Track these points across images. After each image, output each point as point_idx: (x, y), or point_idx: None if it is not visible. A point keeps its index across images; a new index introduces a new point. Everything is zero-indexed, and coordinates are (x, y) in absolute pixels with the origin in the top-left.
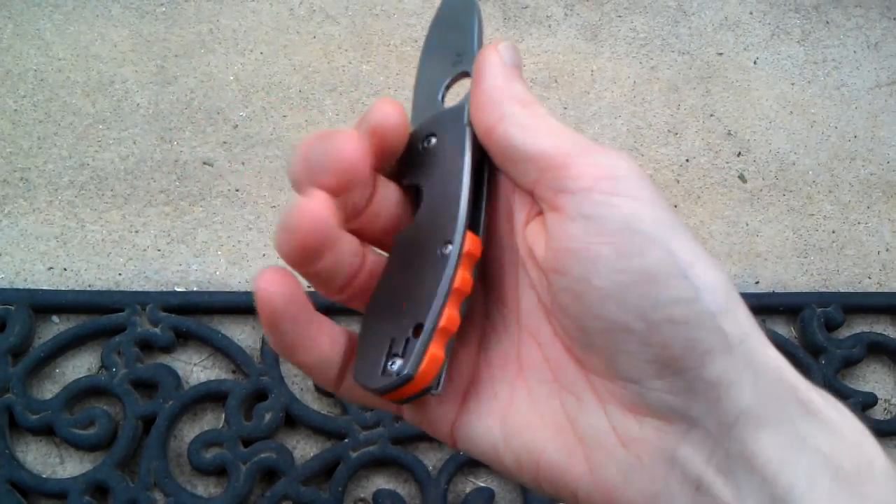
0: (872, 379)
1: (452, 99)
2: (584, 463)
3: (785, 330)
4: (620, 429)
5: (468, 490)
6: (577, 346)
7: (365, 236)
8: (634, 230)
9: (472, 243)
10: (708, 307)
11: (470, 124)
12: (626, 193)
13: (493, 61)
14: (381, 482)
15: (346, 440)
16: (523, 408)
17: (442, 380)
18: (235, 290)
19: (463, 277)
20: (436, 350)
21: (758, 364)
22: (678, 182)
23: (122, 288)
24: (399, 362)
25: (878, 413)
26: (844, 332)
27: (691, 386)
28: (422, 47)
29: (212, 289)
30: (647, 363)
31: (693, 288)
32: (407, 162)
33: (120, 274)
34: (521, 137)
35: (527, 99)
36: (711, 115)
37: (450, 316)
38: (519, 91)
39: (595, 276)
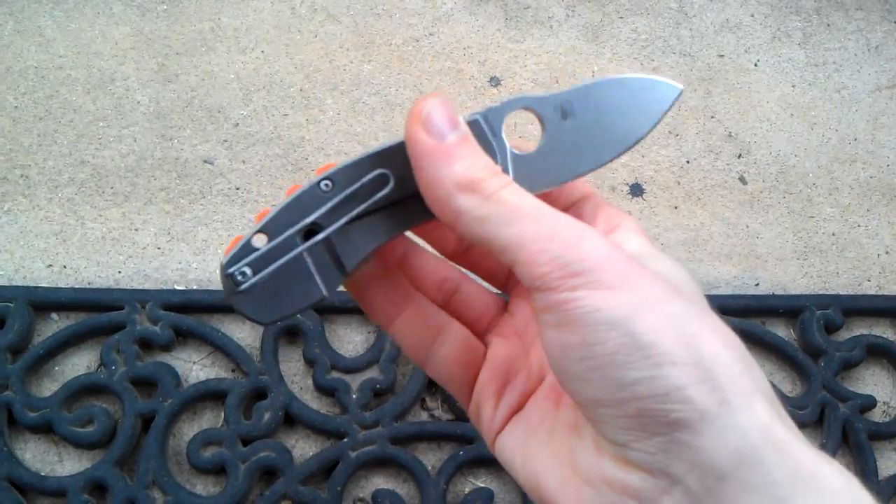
0: (872, 381)
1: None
2: (573, 494)
3: (784, 332)
4: (609, 472)
5: (467, 490)
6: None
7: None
8: (596, 321)
9: (325, 166)
10: (673, 382)
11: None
12: (589, 286)
13: (422, 144)
14: (380, 482)
15: (346, 440)
16: (542, 434)
17: (252, 282)
18: None
19: (293, 186)
20: (241, 237)
21: (740, 427)
22: (678, 184)
23: (121, 286)
24: None
25: (877, 415)
26: (844, 335)
27: (667, 447)
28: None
29: (212, 287)
30: (624, 430)
31: (655, 366)
32: None
33: (119, 272)
34: (481, 233)
35: (473, 179)
36: (712, 117)
37: (261, 212)
38: (460, 172)
39: (567, 361)
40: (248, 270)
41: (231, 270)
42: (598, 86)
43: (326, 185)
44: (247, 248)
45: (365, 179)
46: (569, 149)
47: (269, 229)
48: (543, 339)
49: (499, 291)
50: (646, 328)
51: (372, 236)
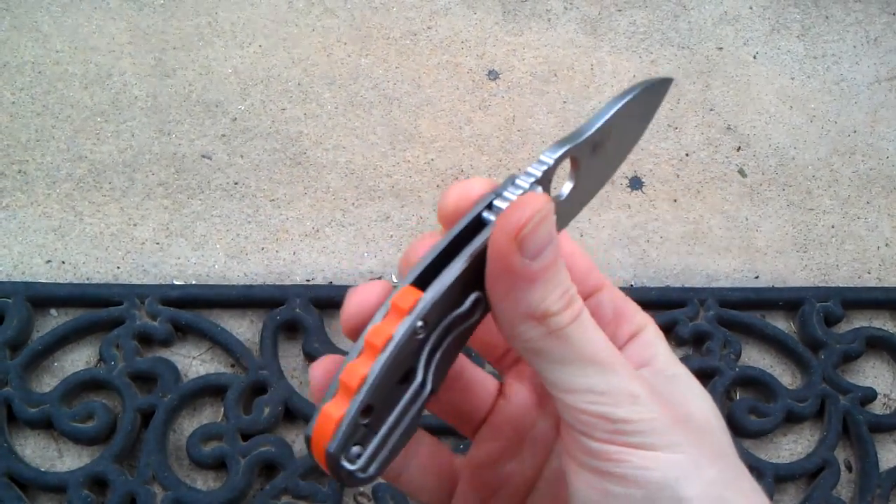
0: (872, 374)
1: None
2: None
3: (784, 325)
4: None
5: None
6: None
7: None
8: (646, 479)
9: (404, 296)
10: None
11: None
12: (636, 445)
13: (510, 263)
14: (381, 477)
15: None
16: None
17: (366, 458)
18: (234, 283)
19: (376, 329)
20: (332, 408)
21: None
22: (678, 177)
23: (120, 281)
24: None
25: (878, 408)
26: (844, 327)
27: None
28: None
29: (210, 282)
30: None
31: None
32: None
33: (118, 267)
34: (534, 362)
35: (545, 311)
36: (711, 110)
37: (350, 370)
38: (534, 302)
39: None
40: (356, 449)
41: (343, 462)
42: (619, 112)
43: (421, 328)
44: (354, 426)
45: (462, 310)
46: (594, 174)
47: (375, 403)
48: (574, 477)
49: (486, 362)
50: (692, 493)
51: (454, 350)
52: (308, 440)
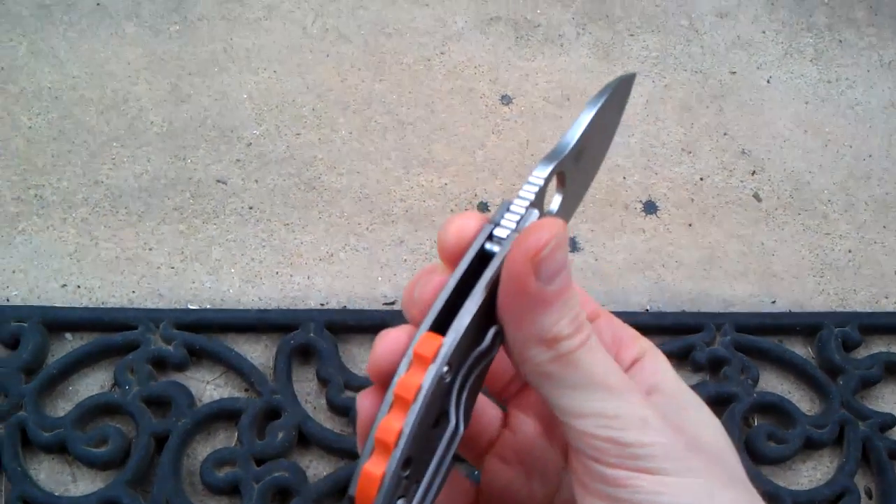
0: (891, 399)
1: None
2: None
3: (802, 350)
4: None
5: None
6: None
7: None
8: None
9: (426, 344)
10: None
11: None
12: (649, 471)
13: (525, 285)
14: None
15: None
16: None
17: None
18: (249, 307)
19: (403, 382)
20: (372, 467)
21: None
22: (692, 201)
23: (135, 305)
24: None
25: None
26: (862, 353)
27: None
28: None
29: (225, 306)
30: None
31: None
32: None
33: (133, 291)
34: (542, 387)
35: (555, 336)
36: (725, 134)
37: (384, 427)
38: (546, 326)
39: None
40: (401, 502)
41: None
42: (595, 118)
43: (446, 372)
44: (396, 481)
45: (483, 347)
46: (579, 181)
47: (413, 454)
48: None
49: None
50: None
51: (478, 385)
52: (351, 501)
